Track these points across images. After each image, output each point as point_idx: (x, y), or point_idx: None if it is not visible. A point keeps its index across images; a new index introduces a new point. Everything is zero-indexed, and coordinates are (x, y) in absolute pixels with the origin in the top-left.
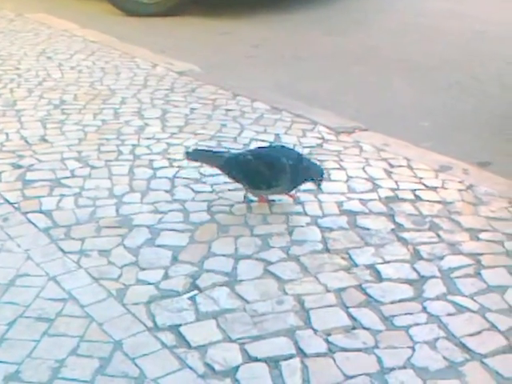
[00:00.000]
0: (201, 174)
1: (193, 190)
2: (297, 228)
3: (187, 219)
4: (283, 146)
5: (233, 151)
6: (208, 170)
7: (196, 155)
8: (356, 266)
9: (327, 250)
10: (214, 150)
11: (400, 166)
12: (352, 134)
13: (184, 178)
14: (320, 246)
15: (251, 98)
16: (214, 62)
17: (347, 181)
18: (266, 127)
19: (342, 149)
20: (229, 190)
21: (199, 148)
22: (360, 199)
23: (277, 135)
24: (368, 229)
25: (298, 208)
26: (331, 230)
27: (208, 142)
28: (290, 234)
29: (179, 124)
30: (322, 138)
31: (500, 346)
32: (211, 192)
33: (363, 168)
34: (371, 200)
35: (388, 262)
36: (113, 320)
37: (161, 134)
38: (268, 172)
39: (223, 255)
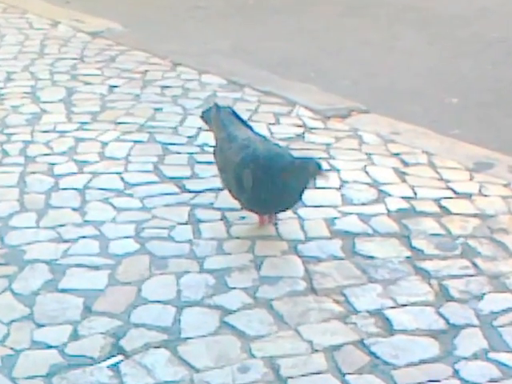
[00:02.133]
0: (125, 182)
1: (113, 206)
2: (268, 259)
3: (105, 250)
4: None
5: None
6: (135, 176)
7: (209, 114)
8: (356, 312)
9: (313, 291)
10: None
11: (417, 164)
12: (347, 119)
13: (100, 190)
14: (302, 285)
15: (198, 68)
16: (143, 16)
17: (341, 187)
18: None
19: (333, 141)
20: (165, 205)
21: (223, 106)
22: (360, 214)
23: None
24: (372, 257)
25: (270, 229)
26: (318, 260)
27: (136, 134)
28: (258, 267)
29: (92, 109)
30: (304, 126)
31: None
32: (141, 209)
33: (364, 168)
34: (376, 215)
35: (402, 305)
36: None
37: (65, 125)
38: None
39: (159, 302)
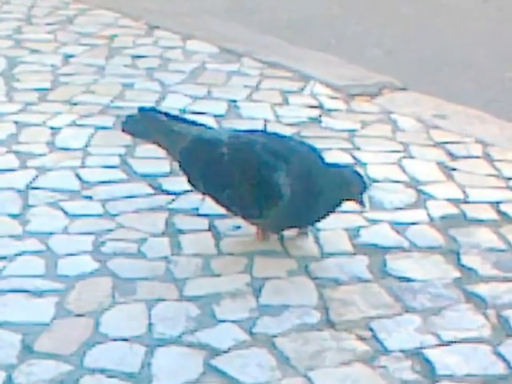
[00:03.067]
0: (82, 180)
1: (65, 212)
2: (270, 281)
3: (53, 270)
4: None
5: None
6: (95, 173)
7: (137, 123)
8: (386, 352)
9: (330, 324)
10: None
11: (469, 158)
12: (377, 99)
13: (49, 190)
14: (316, 317)
15: (182, 32)
16: None
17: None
18: (212, 88)
19: (359, 126)
20: (134, 211)
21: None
22: (393, 222)
23: (232, 103)
24: (409, 279)
25: (273, 243)
26: (338, 283)
27: (98, 117)
28: (257, 293)
29: (41, 85)
30: (320, 107)
31: None
32: (102, 215)
33: (399, 162)
34: (415, 223)
35: (448, 343)
36: None
37: (4, 106)
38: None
39: (124, 340)
